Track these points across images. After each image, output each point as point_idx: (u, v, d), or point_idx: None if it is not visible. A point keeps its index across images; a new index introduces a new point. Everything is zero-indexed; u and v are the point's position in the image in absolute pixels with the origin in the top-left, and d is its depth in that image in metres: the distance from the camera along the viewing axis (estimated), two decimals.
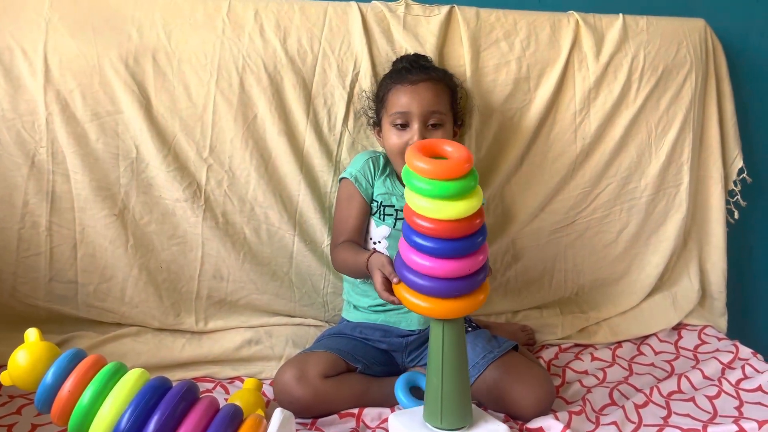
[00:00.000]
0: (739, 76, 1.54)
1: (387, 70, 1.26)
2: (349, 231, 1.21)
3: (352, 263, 1.15)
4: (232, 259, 1.30)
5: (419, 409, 1.02)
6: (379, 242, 1.22)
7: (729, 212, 1.53)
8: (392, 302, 1.00)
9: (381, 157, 1.25)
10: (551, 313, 1.46)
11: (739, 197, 1.52)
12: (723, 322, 1.50)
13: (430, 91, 1.17)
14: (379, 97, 1.23)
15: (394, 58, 1.28)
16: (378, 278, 1.02)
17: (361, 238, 1.22)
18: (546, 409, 1.11)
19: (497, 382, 1.12)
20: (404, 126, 1.18)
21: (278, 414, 0.89)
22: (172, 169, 1.25)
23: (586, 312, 1.46)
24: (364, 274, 1.11)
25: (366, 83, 1.29)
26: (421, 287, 0.92)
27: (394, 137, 1.19)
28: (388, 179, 1.24)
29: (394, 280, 0.98)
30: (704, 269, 1.52)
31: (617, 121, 1.41)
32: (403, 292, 0.96)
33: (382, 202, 1.22)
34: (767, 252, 1.67)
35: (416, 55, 1.26)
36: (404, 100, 1.17)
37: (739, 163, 1.50)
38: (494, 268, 1.43)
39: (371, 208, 1.23)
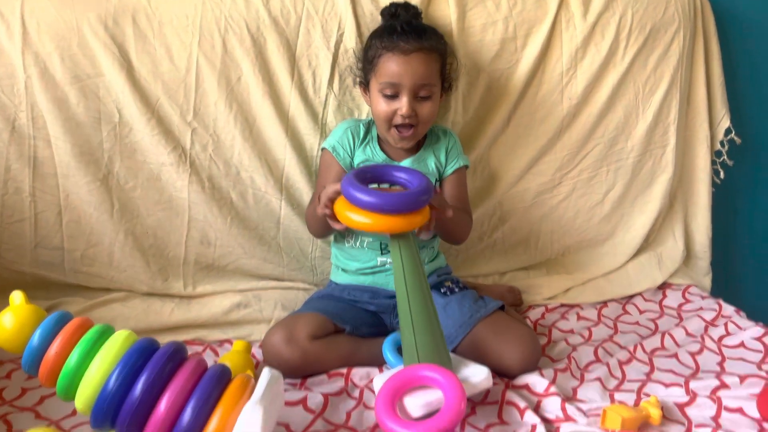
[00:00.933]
0: (728, 36, 1.52)
1: (372, 30, 1.23)
2: None
3: (312, 209, 1.17)
4: (219, 223, 1.29)
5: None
6: None
7: (715, 173, 1.53)
8: (326, 216, 1.07)
9: (361, 125, 1.24)
10: (538, 273, 1.47)
11: (725, 157, 1.52)
12: (707, 282, 1.52)
13: (422, 64, 1.15)
14: (368, 59, 1.20)
15: (379, 17, 1.25)
16: (323, 197, 1.06)
17: None
18: (532, 368, 1.13)
19: (484, 342, 1.13)
20: (393, 95, 1.16)
21: (266, 373, 0.89)
22: (156, 133, 1.23)
23: (572, 273, 1.47)
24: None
25: (351, 43, 1.27)
26: (360, 202, 0.95)
27: (382, 104, 1.17)
28: (368, 146, 1.23)
29: (333, 188, 1.03)
30: (689, 229, 1.53)
31: (604, 81, 1.40)
32: (346, 212, 0.98)
33: None
34: (752, 212, 1.68)
35: (406, 5, 1.23)
36: (395, 70, 1.15)
37: (726, 123, 1.50)
38: (481, 230, 1.44)
39: None
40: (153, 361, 0.83)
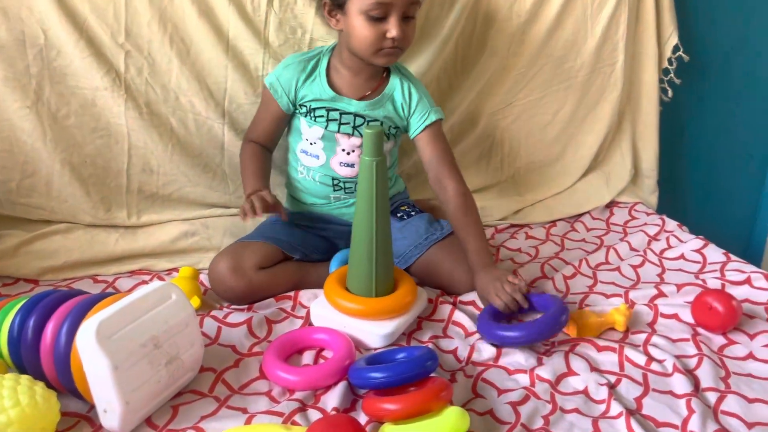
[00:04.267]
0: None
1: None
2: (259, 133, 1.21)
3: (244, 179, 1.19)
4: (160, 151, 1.25)
5: None
6: (314, 143, 1.18)
7: (663, 91, 1.53)
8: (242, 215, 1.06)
9: (308, 60, 1.16)
10: (488, 196, 1.47)
11: (672, 75, 1.52)
12: (654, 199, 1.55)
13: None
14: None
15: None
16: (247, 204, 1.07)
17: (271, 143, 1.23)
18: None
19: (437, 263, 1.15)
20: (381, 17, 1.06)
21: (142, 290, 0.86)
22: (87, 56, 1.17)
23: (522, 194, 1.48)
24: None
25: None
26: None
27: (367, 28, 1.07)
28: (315, 82, 1.15)
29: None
30: (637, 148, 1.54)
31: None
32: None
33: (311, 106, 1.16)
34: (700, 130, 1.70)
35: None
36: None
37: (674, 40, 1.49)
38: None
39: (300, 110, 1.17)
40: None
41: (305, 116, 1.18)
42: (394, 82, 1.18)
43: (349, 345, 0.94)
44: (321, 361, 0.96)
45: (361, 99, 1.16)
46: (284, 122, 1.21)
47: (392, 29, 1.06)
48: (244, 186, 1.17)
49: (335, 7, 1.10)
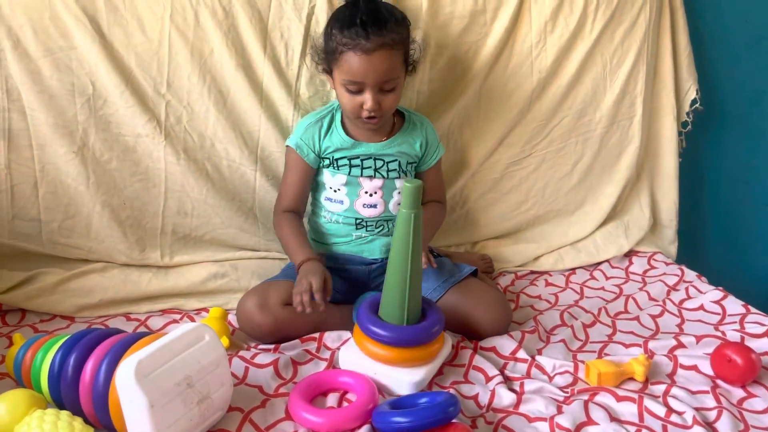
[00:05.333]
0: (693, 7, 1.55)
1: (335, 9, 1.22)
2: (291, 198, 1.24)
3: (289, 250, 1.21)
4: (196, 194, 1.31)
5: None
6: (338, 190, 1.25)
7: (681, 142, 1.57)
8: (299, 307, 1.08)
9: (323, 118, 1.24)
10: (508, 242, 1.51)
11: (691, 127, 1.56)
12: (673, 249, 1.57)
13: (385, 61, 1.13)
14: (329, 49, 1.17)
15: None
16: (300, 288, 1.08)
17: (303, 204, 1.27)
18: (502, 330, 1.17)
19: (457, 305, 1.18)
20: (357, 91, 1.15)
21: (180, 329, 0.89)
22: (131, 105, 1.24)
23: (541, 242, 1.51)
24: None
25: (323, 16, 1.28)
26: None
27: (347, 97, 1.16)
28: (334, 134, 1.23)
29: (317, 298, 1.07)
30: (656, 199, 1.57)
31: (573, 54, 1.42)
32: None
33: (333, 156, 1.23)
34: (718, 179, 1.73)
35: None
36: (358, 69, 1.12)
37: (692, 95, 1.53)
38: (453, 201, 1.47)
39: (323, 163, 1.24)
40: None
41: (328, 167, 1.24)
42: (408, 122, 1.27)
43: (372, 389, 0.97)
44: (345, 404, 0.98)
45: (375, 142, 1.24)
46: (312, 180, 1.26)
47: (367, 102, 1.15)
48: (292, 257, 1.19)
49: (328, 72, 1.20)
